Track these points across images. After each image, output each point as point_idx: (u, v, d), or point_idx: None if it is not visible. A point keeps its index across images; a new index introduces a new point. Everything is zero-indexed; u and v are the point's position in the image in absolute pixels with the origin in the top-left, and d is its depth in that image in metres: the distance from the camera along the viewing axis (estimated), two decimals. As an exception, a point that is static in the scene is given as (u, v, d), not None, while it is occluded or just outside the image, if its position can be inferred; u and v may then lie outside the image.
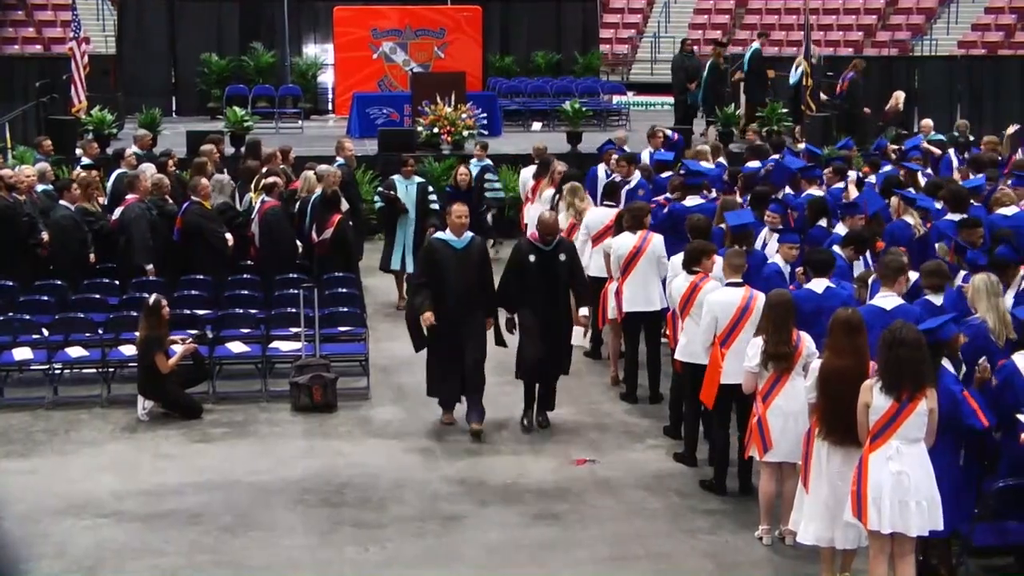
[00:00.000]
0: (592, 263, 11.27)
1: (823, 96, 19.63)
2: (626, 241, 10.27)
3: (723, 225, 9.83)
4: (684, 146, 15.93)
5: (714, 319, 8.20)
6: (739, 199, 11.29)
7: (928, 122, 17.42)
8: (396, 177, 13.47)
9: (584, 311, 9.72)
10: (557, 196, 12.64)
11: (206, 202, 11.97)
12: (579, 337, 10.53)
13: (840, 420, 6.47)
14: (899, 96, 19.40)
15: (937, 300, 7.77)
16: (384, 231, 13.68)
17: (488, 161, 15.41)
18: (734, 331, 8.12)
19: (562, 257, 9.53)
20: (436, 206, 13.26)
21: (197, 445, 9.52)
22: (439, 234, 9.69)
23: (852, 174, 12.83)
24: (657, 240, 10.22)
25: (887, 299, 7.61)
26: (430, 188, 13.60)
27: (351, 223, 12.48)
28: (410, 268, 13.11)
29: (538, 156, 14.73)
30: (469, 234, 9.57)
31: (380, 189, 13.98)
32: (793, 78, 19.90)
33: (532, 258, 9.47)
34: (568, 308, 9.67)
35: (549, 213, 9.82)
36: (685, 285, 8.72)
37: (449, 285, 9.36)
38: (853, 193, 11.83)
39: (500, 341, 9.72)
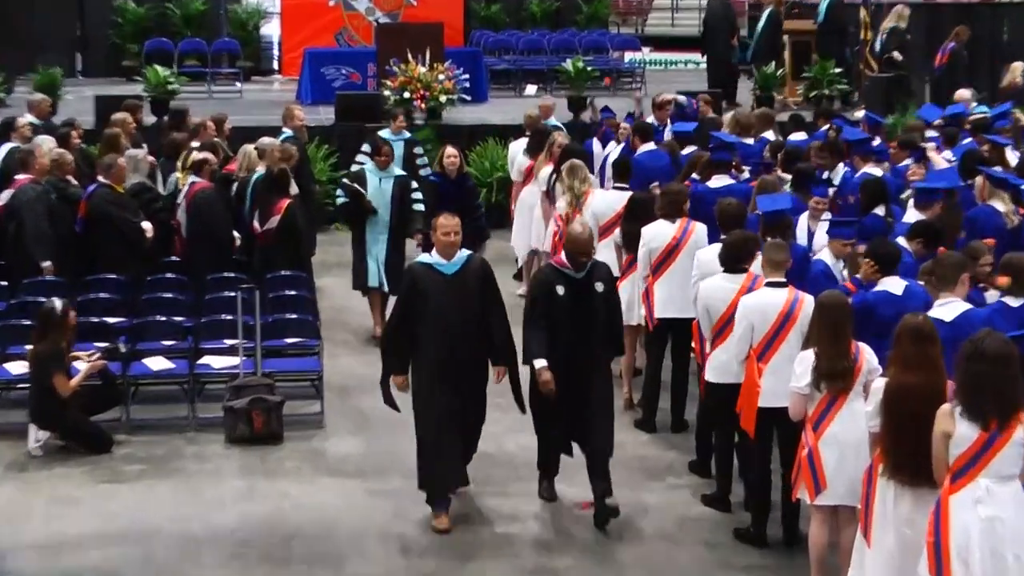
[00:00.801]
0: (603, 256, 11.26)
1: (896, 54, 19.54)
2: (661, 231, 10.26)
3: (759, 212, 9.83)
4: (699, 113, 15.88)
5: (749, 327, 8.21)
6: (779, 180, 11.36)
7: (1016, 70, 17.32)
8: (368, 166, 12.93)
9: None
10: (555, 177, 12.63)
11: (118, 185, 11.93)
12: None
13: (911, 453, 6.46)
14: (1017, 68, 19.01)
15: (1015, 302, 7.78)
16: (352, 240, 12.96)
17: (407, 134, 14.71)
18: (775, 342, 8.13)
19: (599, 287, 8.72)
20: (420, 206, 12.67)
21: (105, 486, 9.46)
22: (423, 257, 8.94)
23: (931, 145, 12.77)
24: (700, 231, 10.21)
25: (947, 307, 7.61)
26: (414, 184, 12.92)
27: (302, 210, 12.49)
28: (386, 286, 12.63)
29: (531, 127, 14.69)
30: (463, 253, 8.80)
31: (343, 181, 13.34)
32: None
33: (560, 290, 8.63)
34: (606, 360, 9.02)
35: (582, 226, 8.87)
36: (729, 289, 8.68)
37: (438, 326, 8.56)
38: (939, 164, 11.77)
39: (518, 403, 8.97)
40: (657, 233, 10.27)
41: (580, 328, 8.62)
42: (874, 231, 9.78)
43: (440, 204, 11.40)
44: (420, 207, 12.67)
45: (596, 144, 14.72)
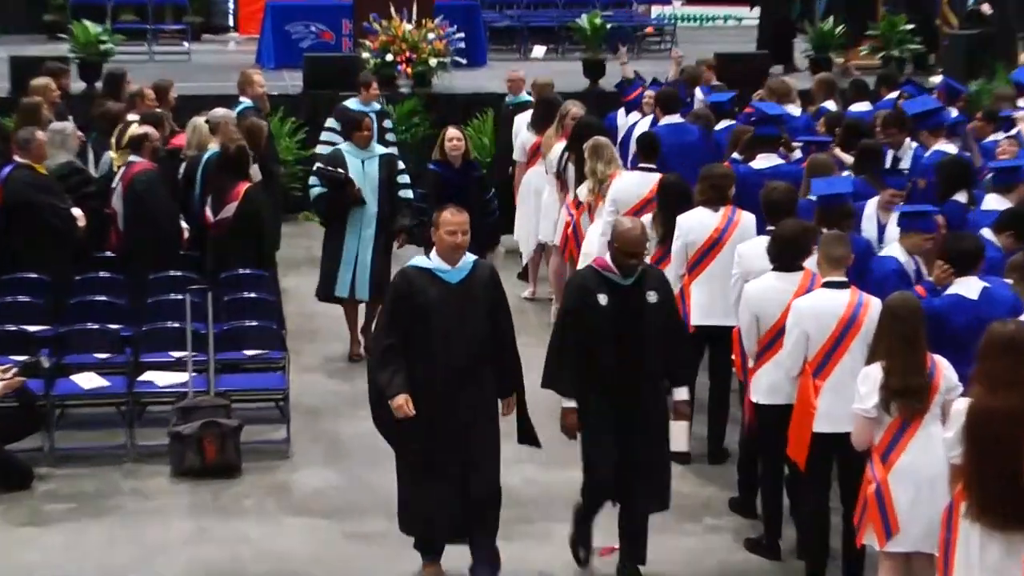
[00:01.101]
0: None
1: (985, 7, 19.49)
2: (701, 221, 10.26)
3: (812, 197, 9.86)
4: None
5: (803, 336, 8.25)
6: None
7: None
8: (344, 146, 12.78)
9: (682, 394, 8.68)
10: (566, 156, 12.65)
11: (39, 165, 11.88)
12: (680, 438, 9.79)
13: (1000, 490, 6.44)
14: None
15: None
16: (325, 234, 12.63)
17: (378, 105, 14.64)
18: (834, 354, 8.16)
19: (652, 297, 8.46)
20: (409, 193, 12.44)
21: (24, 530, 9.43)
22: (418, 260, 8.48)
23: (1022, 115, 12.74)
24: (748, 221, 10.21)
25: None
26: (400, 164, 12.70)
27: (263, 196, 12.41)
28: (367, 294, 12.49)
29: (540, 96, 14.65)
30: (468, 258, 8.48)
31: (319, 166, 12.68)
32: None
33: (603, 299, 8.44)
34: (661, 387, 8.68)
35: (633, 222, 8.64)
36: (783, 291, 8.66)
37: (437, 346, 8.34)
38: None
39: (530, 437, 8.75)
40: (696, 224, 10.27)
41: (630, 346, 8.37)
42: (956, 221, 9.78)
43: (442, 197, 11.15)
44: (408, 193, 12.51)
45: (620, 115, 14.66)
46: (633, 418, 8.40)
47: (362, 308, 12.71)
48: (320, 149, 13.64)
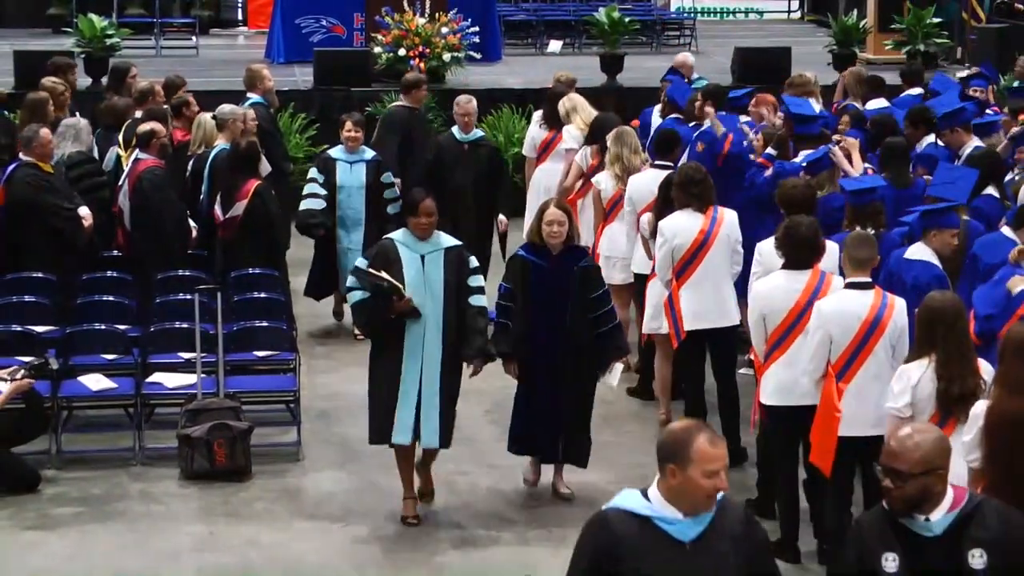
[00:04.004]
0: (638, 253, 11.35)
1: (1019, 6, 19.47)
2: (686, 224, 10.25)
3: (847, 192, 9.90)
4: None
5: (826, 339, 8.23)
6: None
7: None
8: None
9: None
10: (586, 147, 12.60)
11: (44, 163, 11.87)
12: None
13: (1020, 494, 6.39)
14: None
15: None
16: (372, 353, 9.80)
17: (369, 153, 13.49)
18: (858, 357, 8.16)
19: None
20: (482, 298, 9.74)
21: (31, 534, 9.42)
22: (626, 499, 5.35)
23: None
24: (730, 220, 10.23)
25: None
26: (472, 261, 9.92)
27: (273, 193, 12.47)
28: (437, 441, 10.89)
29: (553, 91, 14.40)
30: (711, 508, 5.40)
31: (360, 267, 9.78)
32: None
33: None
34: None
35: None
36: (791, 290, 8.69)
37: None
38: None
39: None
40: (681, 227, 10.23)
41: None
42: (991, 215, 9.82)
43: (536, 297, 9.86)
44: (481, 299, 9.66)
45: (656, 113, 14.51)
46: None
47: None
48: (306, 204, 13.13)
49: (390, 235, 9.72)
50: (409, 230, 9.49)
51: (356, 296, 9.57)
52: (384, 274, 9.26)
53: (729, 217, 10.25)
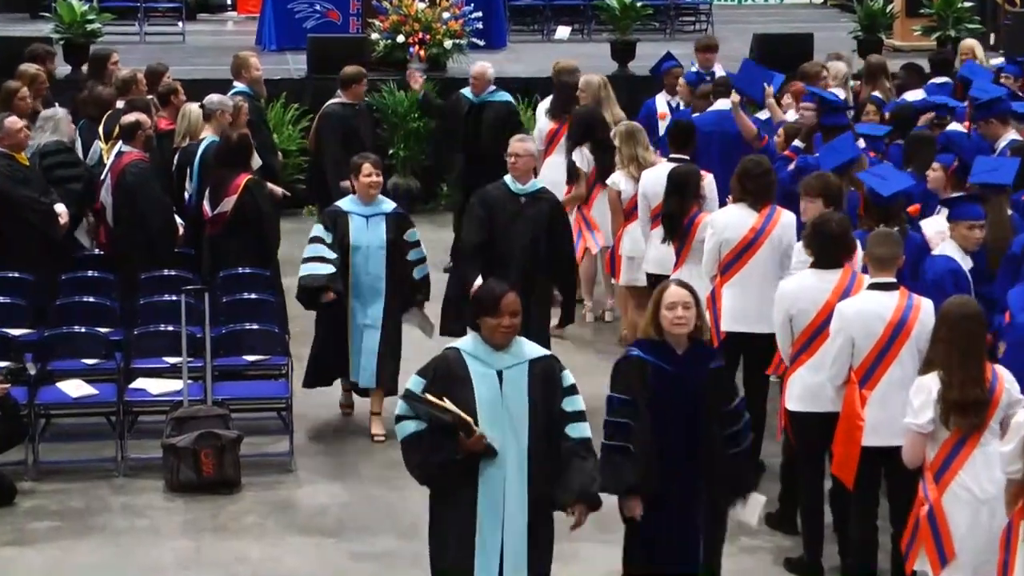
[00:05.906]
0: (651, 252, 11.42)
1: None
2: (739, 219, 10.18)
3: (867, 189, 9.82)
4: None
5: (848, 342, 8.28)
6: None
7: None
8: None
9: None
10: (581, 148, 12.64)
11: (19, 154, 11.91)
12: None
13: None
14: None
15: None
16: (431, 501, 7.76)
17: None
18: (882, 361, 8.22)
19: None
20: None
21: (6, 550, 9.44)
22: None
23: None
24: (786, 221, 10.15)
25: None
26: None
27: (265, 188, 12.39)
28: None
29: (558, 81, 14.48)
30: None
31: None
32: None
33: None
34: None
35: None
36: (820, 290, 8.68)
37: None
38: None
39: None
40: (733, 222, 10.19)
41: None
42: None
43: (659, 410, 7.64)
44: (586, 429, 7.46)
45: (660, 101, 14.50)
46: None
47: None
48: (308, 270, 11.02)
49: (455, 344, 7.57)
50: (481, 336, 7.41)
51: (408, 428, 7.40)
52: (448, 402, 7.22)
53: (786, 219, 10.15)
